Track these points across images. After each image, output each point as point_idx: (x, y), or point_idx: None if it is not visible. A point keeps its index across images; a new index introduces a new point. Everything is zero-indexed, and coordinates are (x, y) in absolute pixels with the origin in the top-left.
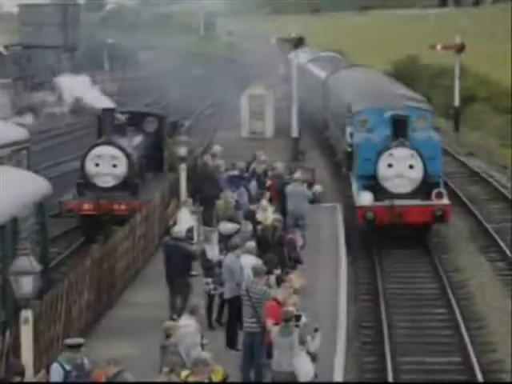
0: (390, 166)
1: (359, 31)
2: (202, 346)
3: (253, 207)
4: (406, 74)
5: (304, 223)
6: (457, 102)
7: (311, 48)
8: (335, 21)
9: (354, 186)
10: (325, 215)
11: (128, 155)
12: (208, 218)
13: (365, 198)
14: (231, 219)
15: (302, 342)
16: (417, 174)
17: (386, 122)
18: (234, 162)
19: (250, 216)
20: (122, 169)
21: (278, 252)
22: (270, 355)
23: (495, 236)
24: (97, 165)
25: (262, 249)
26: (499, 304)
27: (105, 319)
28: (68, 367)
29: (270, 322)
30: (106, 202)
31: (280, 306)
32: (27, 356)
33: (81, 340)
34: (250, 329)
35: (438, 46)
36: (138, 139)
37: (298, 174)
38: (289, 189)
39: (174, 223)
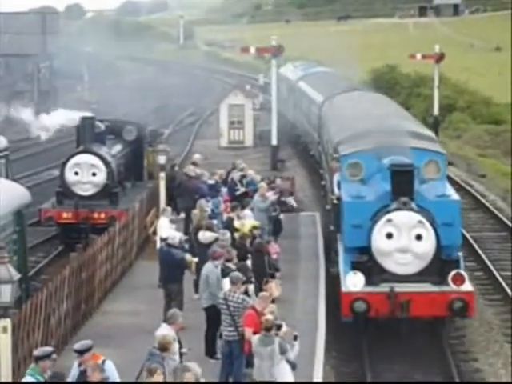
0: (389, 236)
1: (338, 39)
2: (181, 354)
3: (231, 215)
4: (385, 82)
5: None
6: (436, 111)
7: (301, 61)
8: (314, 28)
9: (340, 260)
10: (304, 224)
11: (107, 163)
12: (188, 227)
13: (353, 282)
14: (209, 228)
15: (283, 352)
16: (427, 247)
17: (385, 171)
18: (214, 171)
19: (228, 224)
20: (101, 177)
21: (258, 260)
22: (249, 364)
23: (475, 245)
24: (76, 173)
25: (240, 257)
26: None
27: (84, 328)
28: (41, 379)
29: (248, 331)
30: (86, 211)
31: (258, 314)
32: (5, 365)
33: (50, 349)
34: (229, 337)
35: (418, 56)
36: (117, 148)
37: (262, 186)
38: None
39: (154, 232)
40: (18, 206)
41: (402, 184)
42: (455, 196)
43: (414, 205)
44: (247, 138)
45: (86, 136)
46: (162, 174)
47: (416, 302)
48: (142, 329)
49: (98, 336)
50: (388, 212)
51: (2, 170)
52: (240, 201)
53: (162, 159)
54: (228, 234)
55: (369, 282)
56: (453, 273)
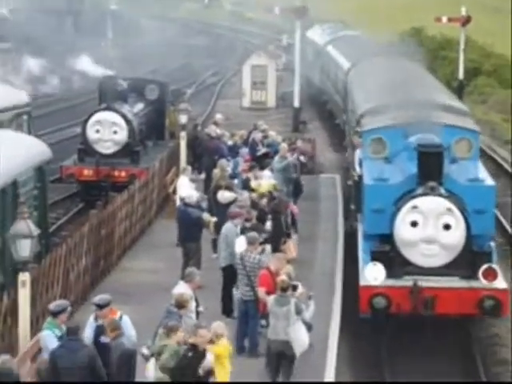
0: (414, 224)
1: (364, 1)
2: (198, 313)
3: (248, 175)
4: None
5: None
6: (461, 75)
7: (329, 24)
8: None
9: (360, 248)
10: (324, 186)
11: (129, 122)
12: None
13: (372, 274)
14: (229, 188)
15: (298, 312)
16: (456, 238)
17: (412, 151)
18: (234, 132)
19: (246, 184)
20: (122, 135)
21: (275, 220)
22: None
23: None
24: (97, 131)
25: (259, 217)
26: None
27: (102, 284)
28: (58, 332)
29: (261, 291)
30: (106, 169)
31: (272, 275)
32: (24, 318)
33: (64, 302)
34: (245, 297)
35: (444, 19)
36: (139, 106)
37: (283, 148)
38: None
39: (174, 191)
40: (39, 162)
41: (430, 167)
42: (489, 180)
43: (442, 190)
44: (269, 99)
45: (107, 94)
46: (183, 134)
47: (442, 298)
48: (160, 286)
49: (117, 292)
50: (413, 197)
51: (24, 126)
52: (260, 161)
53: (183, 118)
54: (246, 194)
55: (390, 275)
56: (484, 267)
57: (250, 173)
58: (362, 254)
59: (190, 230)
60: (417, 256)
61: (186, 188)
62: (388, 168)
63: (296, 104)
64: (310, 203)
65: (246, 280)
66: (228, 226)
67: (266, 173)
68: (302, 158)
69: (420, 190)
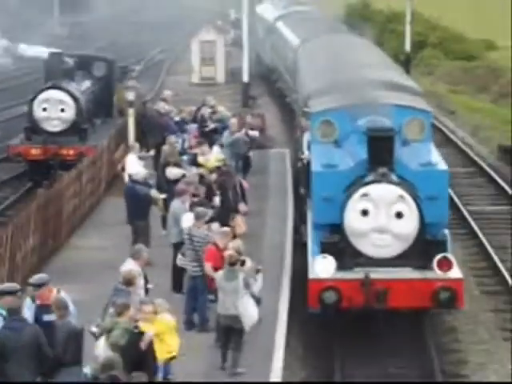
0: (364, 213)
1: None
2: (147, 290)
3: (196, 151)
4: (358, 18)
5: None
6: (408, 48)
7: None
8: None
9: (309, 239)
10: (274, 161)
11: (76, 99)
12: (157, 164)
13: (322, 267)
14: (177, 165)
15: (247, 286)
16: (408, 227)
17: (362, 134)
18: (181, 108)
19: (193, 160)
20: (70, 113)
21: (222, 196)
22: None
23: None
24: (44, 109)
25: (208, 193)
26: None
27: (51, 263)
28: (3, 312)
29: (207, 266)
30: (54, 147)
31: (219, 250)
32: None
33: (16, 286)
34: (193, 272)
35: None
36: (86, 84)
37: (233, 121)
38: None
39: (122, 168)
40: None
41: (381, 152)
42: (442, 165)
43: (394, 176)
44: (219, 75)
45: (54, 72)
46: (131, 111)
47: (395, 290)
48: (108, 264)
49: (65, 271)
50: (363, 185)
51: None
52: (209, 137)
53: (130, 95)
54: (194, 170)
55: (340, 267)
56: (438, 257)
57: (198, 149)
58: (311, 245)
59: (137, 207)
60: (368, 246)
61: (135, 165)
62: (337, 153)
63: (245, 79)
64: (260, 178)
65: (193, 255)
66: (176, 203)
67: (215, 148)
68: (251, 132)
69: (370, 177)
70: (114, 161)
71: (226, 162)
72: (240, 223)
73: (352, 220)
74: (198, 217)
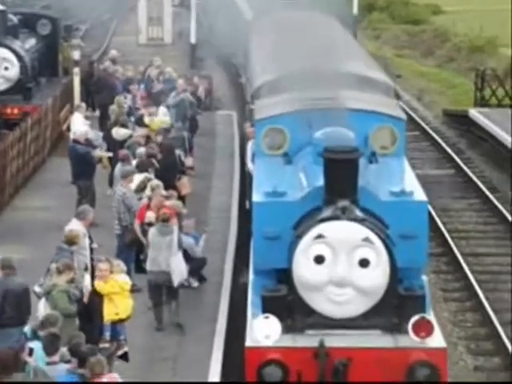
0: (319, 260)
1: None
2: (92, 250)
3: (142, 112)
4: None
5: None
6: (355, 11)
7: None
8: None
9: (249, 289)
10: (221, 123)
11: (20, 58)
12: (104, 124)
13: (263, 331)
14: (124, 125)
15: (180, 244)
16: (376, 277)
17: (318, 153)
18: (127, 68)
19: (139, 121)
20: (14, 72)
21: (168, 157)
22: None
23: None
24: None
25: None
26: None
27: None
28: None
29: (136, 224)
30: None
31: (149, 208)
32: None
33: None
34: (115, 231)
35: None
36: (31, 42)
37: (180, 82)
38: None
39: (68, 128)
40: None
41: (341, 180)
42: (420, 193)
43: (357, 211)
44: (166, 36)
45: None
46: (77, 70)
47: (358, 363)
48: (53, 225)
49: (9, 232)
50: (318, 222)
51: None
52: (156, 98)
53: (76, 54)
54: (140, 131)
55: (288, 330)
56: (415, 318)
57: (145, 109)
58: (251, 295)
59: (81, 167)
60: (324, 303)
61: (80, 125)
62: (287, 172)
63: (192, 40)
64: (207, 140)
65: (115, 213)
66: (119, 166)
67: (162, 109)
68: (198, 93)
69: (327, 212)
70: (59, 120)
71: (172, 124)
72: (185, 184)
73: (303, 268)
74: (122, 175)
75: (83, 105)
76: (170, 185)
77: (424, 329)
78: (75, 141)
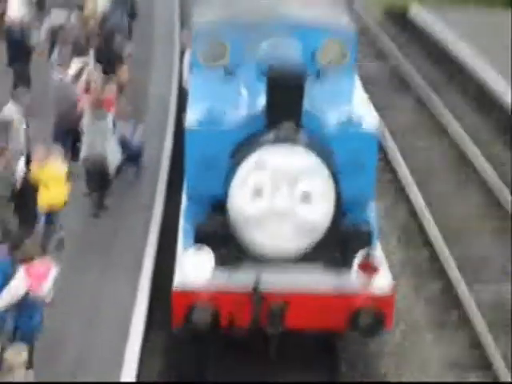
0: (257, 192)
1: None
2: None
3: None
4: None
5: None
6: None
7: None
8: None
9: (181, 218)
10: (160, 7)
11: None
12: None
13: (194, 267)
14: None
15: (114, 127)
16: (320, 211)
17: (262, 65)
18: None
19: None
20: None
21: (108, 42)
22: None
23: None
24: None
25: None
26: None
27: None
28: None
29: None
30: None
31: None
32: None
33: None
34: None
35: None
36: None
37: None
38: None
39: (3, 12)
40: None
41: (286, 102)
42: (370, 119)
43: (302, 135)
44: None
45: None
46: None
47: (296, 307)
48: None
49: None
50: (258, 147)
51: None
52: None
53: None
54: (74, 18)
55: (221, 264)
56: (361, 254)
57: None
58: (183, 223)
59: (15, 50)
60: (262, 239)
61: (17, 8)
62: (226, 90)
63: None
64: (146, 25)
65: (51, 101)
66: (56, 54)
67: None
68: None
69: (269, 136)
70: None
71: (112, 9)
72: (124, 71)
73: (240, 200)
74: (60, 61)
75: None
76: (110, 71)
77: (368, 267)
78: (12, 24)
